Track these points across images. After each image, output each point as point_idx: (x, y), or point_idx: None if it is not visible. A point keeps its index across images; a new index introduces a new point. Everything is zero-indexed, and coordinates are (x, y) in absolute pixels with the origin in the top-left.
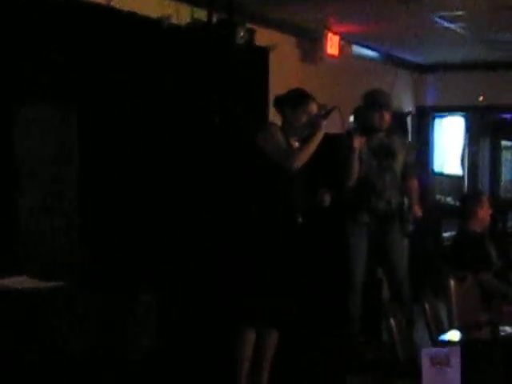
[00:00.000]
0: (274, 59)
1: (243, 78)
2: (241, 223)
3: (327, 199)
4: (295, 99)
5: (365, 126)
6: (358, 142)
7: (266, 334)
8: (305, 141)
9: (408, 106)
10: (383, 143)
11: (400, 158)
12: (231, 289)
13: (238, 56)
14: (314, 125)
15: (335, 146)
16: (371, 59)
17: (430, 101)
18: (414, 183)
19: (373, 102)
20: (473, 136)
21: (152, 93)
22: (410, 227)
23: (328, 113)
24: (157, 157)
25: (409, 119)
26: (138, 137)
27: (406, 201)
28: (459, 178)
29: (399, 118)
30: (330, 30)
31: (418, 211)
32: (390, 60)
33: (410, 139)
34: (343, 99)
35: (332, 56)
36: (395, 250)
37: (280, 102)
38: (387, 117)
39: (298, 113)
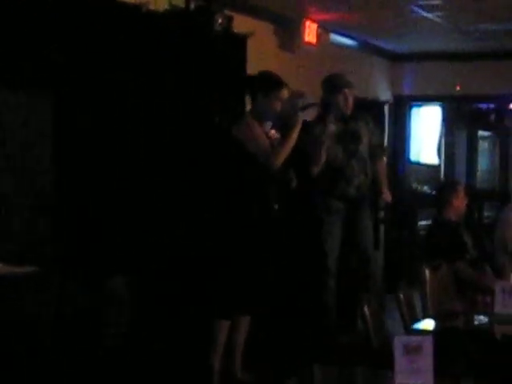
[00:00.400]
0: (251, 46)
1: (221, 65)
2: (221, 213)
3: (294, 181)
4: (268, 85)
5: (330, 112)
6: (331, 129)
7: (238, 319)
8: (282, 131)
9: (385, 95)
10: (348, 129)
11: (365, 141)
12: (206, 278)
13: (216, 43)
14: (291, 117)
15: (305, 132)
16: (349, 47)
17: (406, 90)
18: (382, 164)
19: (334, 85)
20: (449, 125)
21: (128, 80)
22: (382, 214)
23: (306, 107)
24: (130, 140)
25: (386, 108)
26: (115, 119)
27: (375, 186)
28: (436, 168)
29: (376, 106)
30: (308, 17)
31: (388, 197)
32: (367, 48)
33: (386, 128)
34: (320, 87)
35: (310, 44)
36: (366, 239)
37: (251, 86)
38: (351, 99)
39: (270, 99)
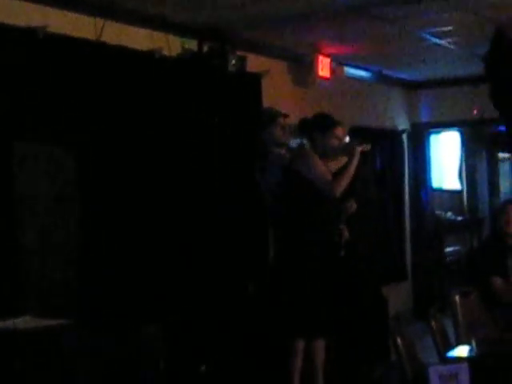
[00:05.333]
0: (266, 85)
1: (236, 105)
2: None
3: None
4: (324, 124)
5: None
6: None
7: (313, 343)
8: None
9: (403, 124)
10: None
11: None
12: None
13: (230, 83)
14: (349, 152)
15: None
16: (363, 79)
17: (424, 117)
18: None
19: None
20: (469, 150)
21: (146, 126)
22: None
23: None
24: (156, 190)
25: (404, 137)
26: (135, 169)
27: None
28: (458, 193)
29: (394, 135)
30: (320, 52)
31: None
32: (382, 79)
33: (406, 156)
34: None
35: (324, 78)
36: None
37: (307, 126)
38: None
39: (327, 137)
